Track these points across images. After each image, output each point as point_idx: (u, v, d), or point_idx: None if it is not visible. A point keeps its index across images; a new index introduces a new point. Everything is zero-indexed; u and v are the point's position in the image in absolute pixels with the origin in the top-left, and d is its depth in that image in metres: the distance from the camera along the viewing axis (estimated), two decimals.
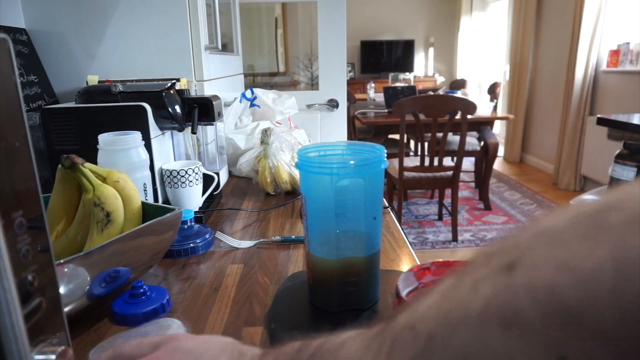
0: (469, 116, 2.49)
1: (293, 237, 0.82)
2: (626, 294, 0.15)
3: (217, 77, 1.36)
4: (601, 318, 0.16)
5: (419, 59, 6.85)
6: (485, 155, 3.17)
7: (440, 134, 2.79)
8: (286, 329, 0.53)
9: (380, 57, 6.66)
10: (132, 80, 1.05)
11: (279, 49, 2.68)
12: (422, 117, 2.58)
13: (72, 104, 0.92)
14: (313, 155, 0.58)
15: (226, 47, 1.65)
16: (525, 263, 0.19)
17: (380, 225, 0.57)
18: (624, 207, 0.18)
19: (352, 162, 0.53)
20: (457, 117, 2.51)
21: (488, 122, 3.19)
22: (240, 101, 1.49)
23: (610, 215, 0.18)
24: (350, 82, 6.25)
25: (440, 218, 3.26)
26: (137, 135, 0.80)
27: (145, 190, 0.82)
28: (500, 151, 5.18)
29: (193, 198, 0.93)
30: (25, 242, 0.25)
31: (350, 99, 3.66)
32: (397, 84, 4.05)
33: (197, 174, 0.92)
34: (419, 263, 0.73)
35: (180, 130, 0.97)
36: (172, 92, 0.92)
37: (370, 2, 6.53)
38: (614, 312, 0.16)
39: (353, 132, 3.57)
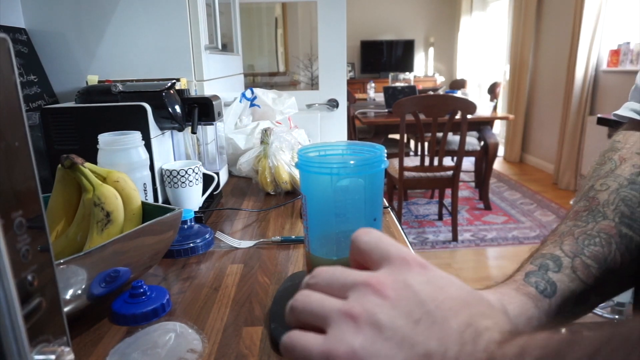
0: (469, 116, 2.50)
1: (293, 237, 0.82)
2: None
3: (217, 77, 1.36)
4: None
5: (419, 59, 6.85)
6: (485, 155, 3.17)
7: (440, 134, 2.79)
8: (286, 329, 0.53)
9: (380, 57, 6.66)
10: (132, 80, 1.05)
11: (279, 49, 2.68)
12: (422, 117, 2.58)
13: (72, 104, 0.92)
14: (313, 155, 0.58)
15: (226, 47, 1.65)
16: None
17: (380, 225, 0.57)
18: None
19: (352, 162, 0.52)
20: (457, 117, 2.51)
21: (488, 122, 3.19)
22: (240, 101, 1.49)
23: None
24: (350, 82, 6.25)
25: (440, 218, 3.26)
26: (137, 135, 0.80)
27: (145, 190, 0.82)
28: (500, 151, 5.18)
29: (193, 198, 0.93)
30: (25, 242, 0.25)
31: (350, 98, 3.66)
32: (397, 84, 4.05)
33: (197, 173, 0.92)
34: None
35: (180, 130, 0.97)
36: (172, 92, 0.92)
37: (370, 2, 6.53)
38: None
39: (353, 132, 3.57)
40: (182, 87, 1.04)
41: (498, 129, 5.53)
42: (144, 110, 0.86)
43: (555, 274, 0.42)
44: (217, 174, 1.03)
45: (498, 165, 4.94)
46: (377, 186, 0.54)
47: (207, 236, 0.81)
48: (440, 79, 6.59)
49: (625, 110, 0.53)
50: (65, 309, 0.46)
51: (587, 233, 0.44)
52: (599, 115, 2.15)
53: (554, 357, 0.22)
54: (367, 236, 0.29)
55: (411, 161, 2.78)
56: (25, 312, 0.25)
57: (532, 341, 0.23)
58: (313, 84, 2.30)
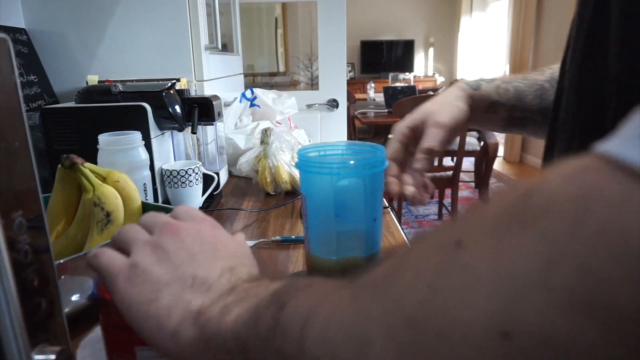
0: None
1: (293, 237, 0.82)
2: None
3: (217, 77, 1.36)
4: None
5: (419, 59, 6.85)
6: (485, 155, 3.17)
7: None
8: None
9: (380, 57, 6.66)
10: (132, 80, 1.05)
11: (279, 49, 2.69)
12: None
13: (72, 104, 0.92)
14: (313, 155, 0.58)
15: (226, 47, 1.65)
16: None
17: (380, 225, 0.57)
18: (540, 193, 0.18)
19: (352, 162, 0.53)
20: None
21: None
22: (240, 101, 1.50)
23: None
24: (350, 82, 6.25)
25: (440, 218, 3.26)
26: (137, 135, 0.80)
27: (145, 190, 0.82)
28: (500, 151, 5.18)
29: (193, 198, 0.93)
30: (25, 242, 0.25)
31: (350, 99, 3.66)
32: (397, 84, 4.05)
33: (197, 174, 0.92)
34: None
35: (180, 130, 0.97)
36: (172, 92, 0.92)
37: (370, 2, 6.53)
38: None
39: (353, 132, 3.57)
40: (182, 87, 1.04)
41: None
42: (144, 110, 0.86)
43: (486, 83, 0.63)
44: (217, 174, 1.03)
45: (498, 165, 4.94)
46: (377, 186, 0.54)
47: None
48: (440, 79, 6.59)
49: None
50: (65, 309, 0.46)
51: (524, 76, 0.63)
52: None
53: (277, 297, 0.28)
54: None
55: None
56: (25, 312, 0.25)
57: (262, 284, 0.31)
58: (313, 84, 2.31)
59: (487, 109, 0.62)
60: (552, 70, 0.63)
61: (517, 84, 0.61)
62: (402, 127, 0.60)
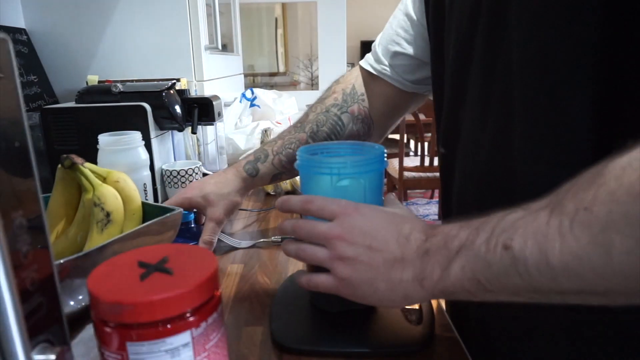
0: None
1: (293, 237, 0.82)
2: None
3: (217, 77, 1.37)
4: None
5: None
6: None
7: None
8: (286, 328, 0.53)
9: None
10: (132, 80, 1.05)
11: (279, 49, 2.69)
12: (422, 117, 2.58)
13: (72, 104, 0.92)
14: (313, 155, 0.58)
15: (226, 47, 1.65)
16: None
17: None
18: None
19: (352, 162, 0.53)
20: None
21: None
22: (240, 101, 1.50)
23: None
24: None
25: (440, 218, 3.26)
26: (137, 135, 0.80)
27: (145, 190, 0.82)
28: None
29: None
30: (25, 242, 0.25)
31: None
32: None
33: (197, 174, 0.92)
34: None
35: (180, 130, 0.97)
36: (172, 92, 0.92)
37: (370, 2, 6.53)
38: None
39: None
40: (182, 87, 1.04)
41: None
42: (144, 110, 0.86)
43: (261, 164, 0.73)
44: None
45: None
46: (377, 186, 0.54)
47: None
48: None
49: (364, 63, 0.79)
50: (65, 309, 0.46)
51: (290, 140, 0.73)
52: None
53: (471, 232, 0.35)
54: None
55: (411, 161, 2.78)
56: (26, 312, 0.25)
57: (447, 229, 0.38)
58: (313, 84, 2.31)
59: (271, 180, 0.75)
60: (311, 124, 0.74)
61: (287, 151, 0.73)
62: (179, 201, 0.72)
